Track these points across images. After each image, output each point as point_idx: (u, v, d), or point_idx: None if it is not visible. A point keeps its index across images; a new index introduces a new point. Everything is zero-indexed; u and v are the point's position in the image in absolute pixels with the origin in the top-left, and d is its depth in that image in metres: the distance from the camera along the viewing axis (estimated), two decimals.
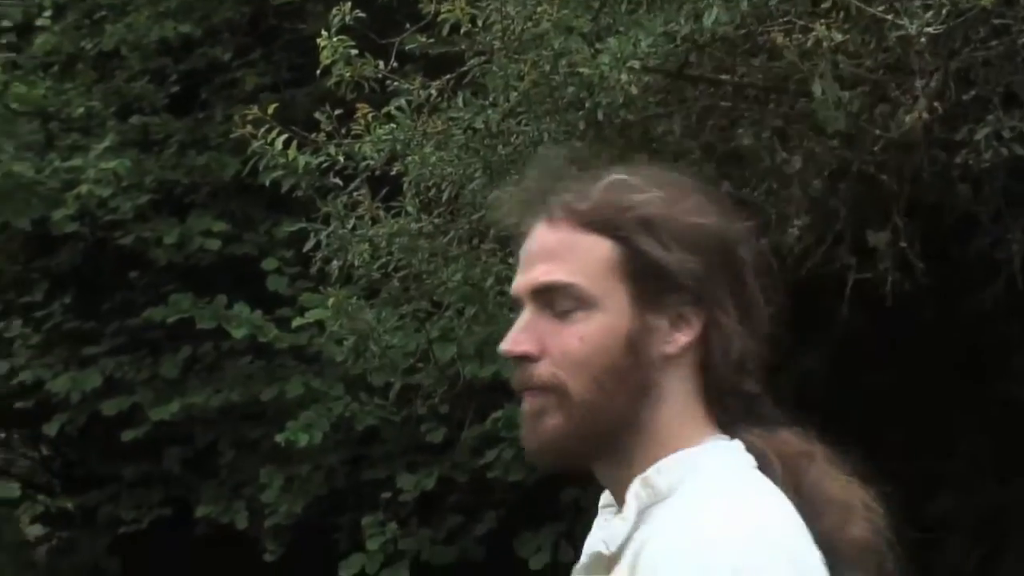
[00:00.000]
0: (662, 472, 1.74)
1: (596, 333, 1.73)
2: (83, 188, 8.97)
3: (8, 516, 17.79)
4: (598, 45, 5.08)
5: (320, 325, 7.89)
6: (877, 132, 5.17)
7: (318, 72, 5.75)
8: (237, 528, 9.48)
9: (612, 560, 1.77)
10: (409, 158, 5.73)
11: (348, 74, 5.55)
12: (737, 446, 1.76)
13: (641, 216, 1.74)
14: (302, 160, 5.88)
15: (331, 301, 6.46)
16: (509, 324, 1.76)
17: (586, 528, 7.09)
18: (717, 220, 1.77)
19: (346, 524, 9.27)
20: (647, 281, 1.73)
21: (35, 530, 15.34)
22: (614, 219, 1.74)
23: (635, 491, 1.76)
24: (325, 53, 5.60)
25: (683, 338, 1.75)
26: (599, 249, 1.75)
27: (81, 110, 9.86)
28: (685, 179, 1.84)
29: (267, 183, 6.27)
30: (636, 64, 4.83)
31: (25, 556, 16.39)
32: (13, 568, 17.03)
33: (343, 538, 9.23)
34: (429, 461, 8.71)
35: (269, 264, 9.31)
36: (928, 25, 4.58)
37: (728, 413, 1.78)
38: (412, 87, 5.67)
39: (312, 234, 6.31)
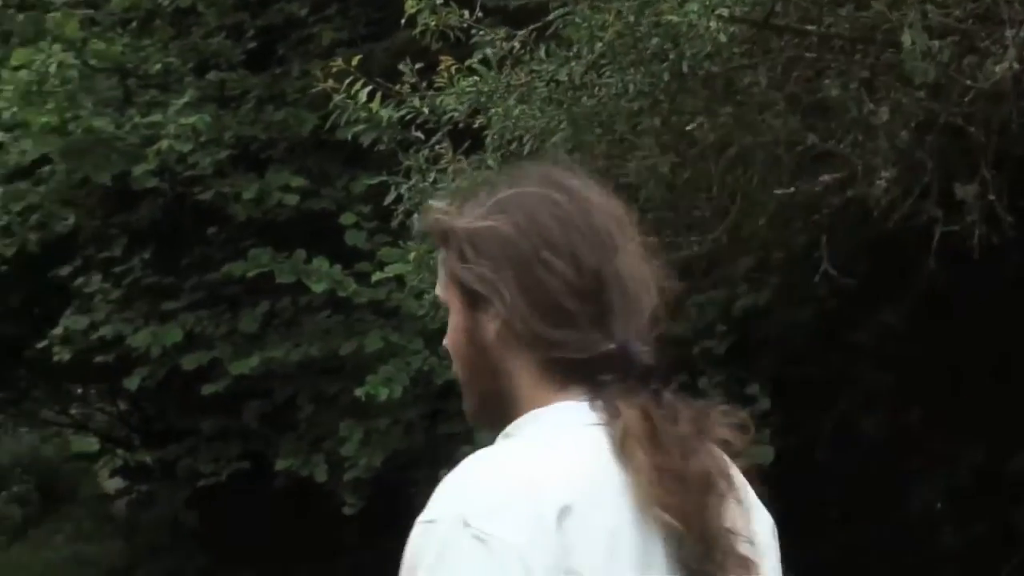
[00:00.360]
0: (519, 427, 1.98)
1: (451, 331, 2.03)
2: (163, 144, 9.01)
3: (87, 470, 18.00)
4: None
5: (399, 280, 7.90)
6: (966, 83, 5.10)
7: (402, 21, 5.73)
8: (316, 482, 9.52)
9: None
10: (492, 111, 5.71)
11: (433, 23, 5.53)
12: (582, 407, 1.93)
13: (451, 229, 1.99)
14: (385, 113, 5.87)
15: (412, 255, 6.46)
16: None
17: None
18: (508, 220, 1.95)
19: (424, 478, 9.28)
20: (461, 285, 2.00)
21: (115, 483, 15.52)
22: (444, 235, 2.01)
23: (498, 442, 2.04)
24: (410, 2, 5.58)
25: (493, 326, 1.97)
26: (442, 262, 2.05)
27: (158, 66, 9.91)
28: (527, 176, 2.03)
29: (348, 137, 6.26)
30: (724, 12, 4.79)
31: (104, 509, 16.59)
32: (92, 521, 17.23)
33: (421, 492, 9.24)
34: None
35: (347, 219, 9.33)
36: None
37: (584, 380, 1.95)
38: (496, 37, 5.65)
39: (393, 188, 6.31)
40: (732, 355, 7.62)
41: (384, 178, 6.38)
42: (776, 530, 2.05)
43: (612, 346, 1.92)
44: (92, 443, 16.23)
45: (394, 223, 6.54)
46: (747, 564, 1.90)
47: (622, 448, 1.88)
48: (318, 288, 9.04)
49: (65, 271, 10.77)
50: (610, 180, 6.04)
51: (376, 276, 8.38)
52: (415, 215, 6.26)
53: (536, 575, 1.79)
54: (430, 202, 2.14)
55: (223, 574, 11.94)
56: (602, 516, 1.84)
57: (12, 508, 19.31)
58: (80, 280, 10.61)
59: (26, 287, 11.53)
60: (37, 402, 15.38)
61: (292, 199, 9.44)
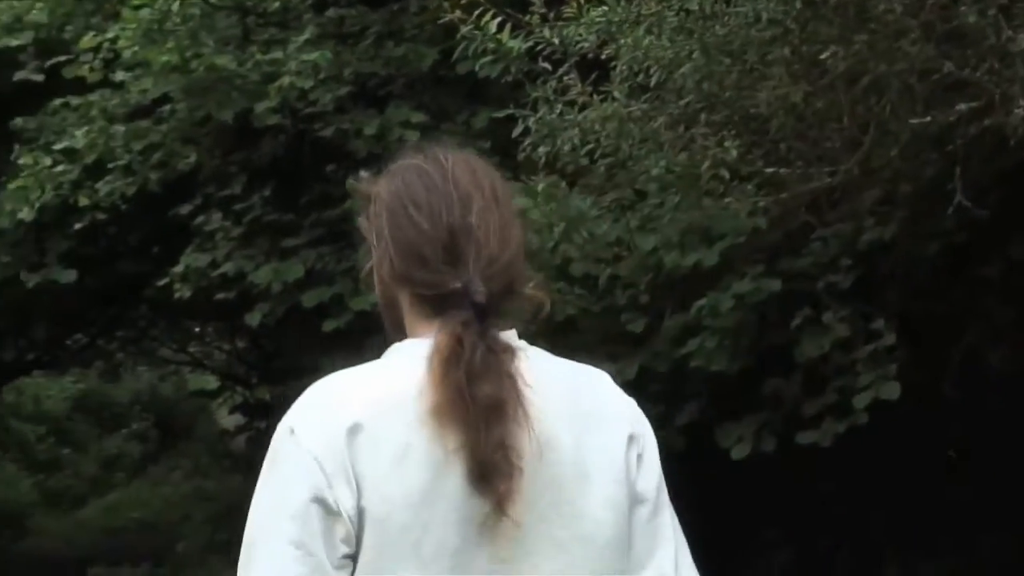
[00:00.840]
0: (387, 353, 2.35)
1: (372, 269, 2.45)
2: (284, 80, 9.05)
3: (204, 407, 18.25)
4: None
5: (521, 214, 7.86)
6: None
7: None
8: None
9: None
10: (621, 41, 5.68)
11: None
12: (423, 342, 2.28)
13: (367, 192, 2.43)
14: (514, 45, 5.85)
15: (541, 187, 6.45)
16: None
17: (788, 419, 6.95)
18: (391, 184, 2.39)
19: None
20: (369, 233, 2.43)
21: (233, 420, 15.72)
22: (365, 196, 2.43)
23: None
24: None
25: (385, 265, 2.39)
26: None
27: (277, 4, 9.94)
28: (419, 152, 2.43)
29: (477, 68, 6.24)
30: None
31: (222, 445, 16.83)
32: (210, 457, 17.50)
33: None
34: (630, 351, 8.67)
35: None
36: None
37: (441, 314, 2.29)
38: None
39: (520, 121, 6.29)
40: (857, 289, 7.53)
41: (511, 111, 6.37)
42: (629, 460, 2.33)
43: (458, 285, 2.28)
44: (210, 380, 16.44)
45: (520, 156, 6.53)
46: (513, 472, 2.19)
47: (427, 366, 2.22)
48: None
49: (185, 209, 10.83)
50: (739, 110, 6.02)
51: None
52: (541, 148, 6.25)
53: (330, 476, 2.20)
54: (361, 172, 2.53)
55: None
56: (392, 433, 2.21)
57: (132, 445, 19.65)
58: (200, 218, 10.66)
59: (146, 226, 11.63)
60: (156, 341, 15.59)
61: (413, 135, 9.43)
